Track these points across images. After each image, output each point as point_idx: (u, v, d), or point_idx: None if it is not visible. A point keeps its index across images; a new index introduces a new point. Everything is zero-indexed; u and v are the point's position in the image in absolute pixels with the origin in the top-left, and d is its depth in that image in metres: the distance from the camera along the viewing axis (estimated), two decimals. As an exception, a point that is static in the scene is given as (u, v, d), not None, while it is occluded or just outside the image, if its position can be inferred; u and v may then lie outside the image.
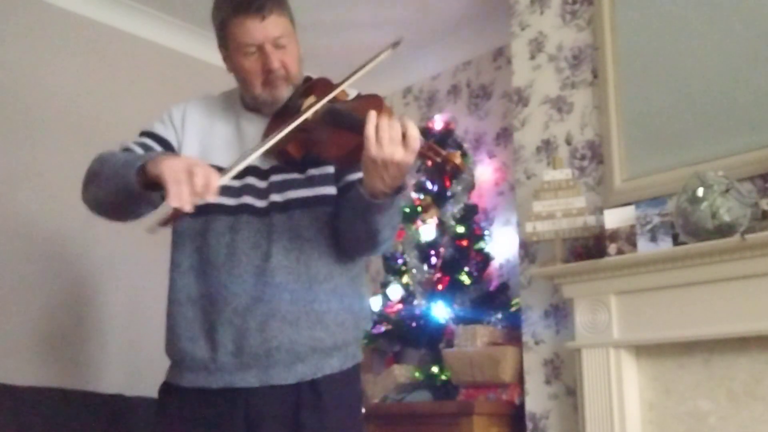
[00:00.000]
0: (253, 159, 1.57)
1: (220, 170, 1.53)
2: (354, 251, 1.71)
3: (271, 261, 1.62)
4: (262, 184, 1.70)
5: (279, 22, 1.67)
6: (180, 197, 1.40)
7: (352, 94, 1.74)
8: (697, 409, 2.50)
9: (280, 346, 1.61)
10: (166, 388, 1.73)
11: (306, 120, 1.60)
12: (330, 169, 1.72)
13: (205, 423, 1.63)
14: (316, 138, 1.62)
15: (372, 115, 1.44)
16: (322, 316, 1.65)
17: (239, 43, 1.67)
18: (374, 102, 1.59)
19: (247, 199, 1.68)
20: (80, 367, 3.36)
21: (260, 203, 1.68)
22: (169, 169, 1.43)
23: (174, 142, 1.75)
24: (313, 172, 1.71)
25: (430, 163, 1.44)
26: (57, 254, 3.39)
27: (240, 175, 1.67)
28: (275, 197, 1.67)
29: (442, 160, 1.42)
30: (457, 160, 1.41)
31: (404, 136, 1.42)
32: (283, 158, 1.68)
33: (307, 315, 1.63)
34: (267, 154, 1.66)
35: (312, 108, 1.61)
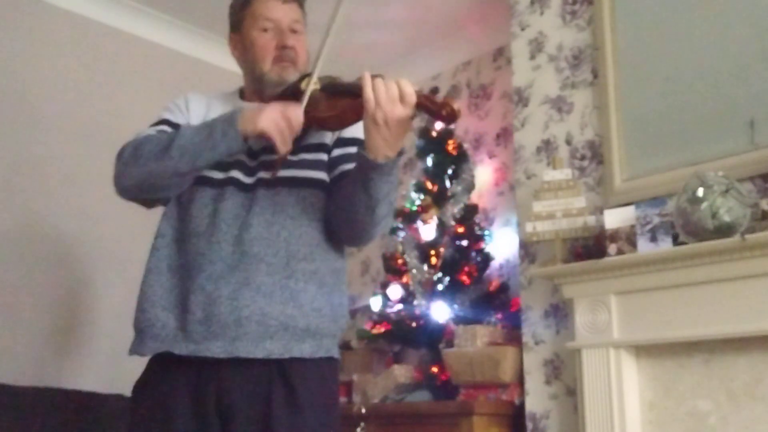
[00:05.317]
0: (311, 86, 1.65)
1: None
2: (350, 231, 1.70)
3: (251, 231, 1.63)
4: (251, 162, 1.72)
5: (297, 10, 1.82)
6: (287, 143, 1.61)
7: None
8: (697, 409, 2.50)
9: (250, 315, 1.59)
10: (140, 379, 1.72)
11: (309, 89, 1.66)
12: (323, 156, 1.75)
13: (177, 406, 1.61)
14: (314, 107, 1.65)
15: (367, 76, 1.50)
16: (297, 294, 1.64)
17: (259, 17, 1.77)
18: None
19: (235, 173, 1.70)
20: (79, 367, 3.36)
21: (247, 179, 1.70)
22: (270, 122, 1.59)
23: (184, 124, 1.79)
24: (305, 156, 1.74)
25: (427, 112, 1.51)
26: (57, 254, 3.39)
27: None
28: (263, 174, 1.69)
29: (437, 107, 1.46)
30: (455, 105, 1.45)
31: (400, 93, 1.47)
32: None
33: (282, 290, 1.63)
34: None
35: (312, 78, 1.66)
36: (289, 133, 1.60)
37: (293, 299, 1.63)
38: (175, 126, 1.78)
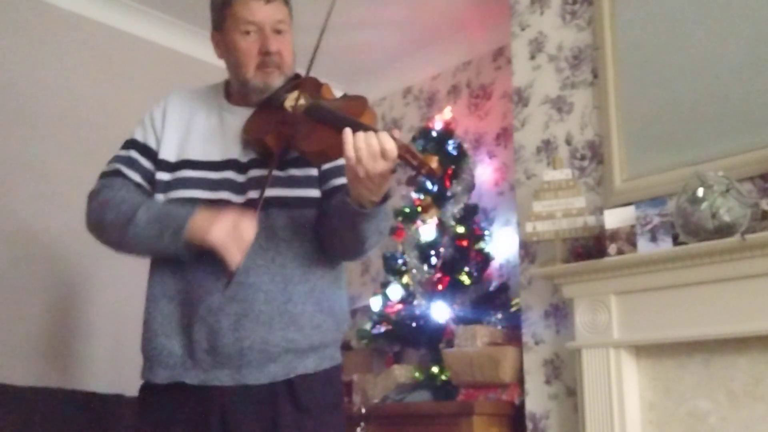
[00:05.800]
0: (269, 184, 1.60)
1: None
2: (340, 256, 1.72)
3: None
4: (240, 178, 1.69)
5: (281, 8, 1.72)
6: (237, 259, 1.54)
7: (338, 93, 1.76)
8: (697, 409, 2.50)
9: (252, 345, 1.59)
10: (145, 388, 1.71)
11: (288, 113, 1.63)
12: (313, 172, 1.72)
13: (180, 423, 1.62)
14: (295, 132, 1.62)
15: (347, 135, 1.46)
16: (297, 317, 1.63)
17: (240, 19, 1.69)
18: (358, 103, 1.62)
19: (225, 195, 1.67)
20: (79, 367, 3.36)
21: (238, 198, 1.67)
22: (217, 239, 1.54)
23: (154, 146, 1.75)
24: (294, 172, 1.70)
25: (408, 166, 1.48)
26: (57, 254, 3.39)
27: (219, 168, 1.69)
28: (253, 194, 1.65)
29: (418, 164, 1.45)
30: (433, 165, 1.44)
31: (381, 149, 1.44)
32: (261, 148, 1.67)
33: (281, 316, 1.62)
34: (246, 144, 1.69)
35: (299, 98, 1.63)
36: (238, 249, 1.54)
37: (293, 323, 1.63)
38: (143, 149, 1.75)
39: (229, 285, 1.58)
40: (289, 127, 1.62)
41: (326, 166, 1.71)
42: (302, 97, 1.65)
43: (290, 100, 1.66)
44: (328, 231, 1.66)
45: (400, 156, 1.45)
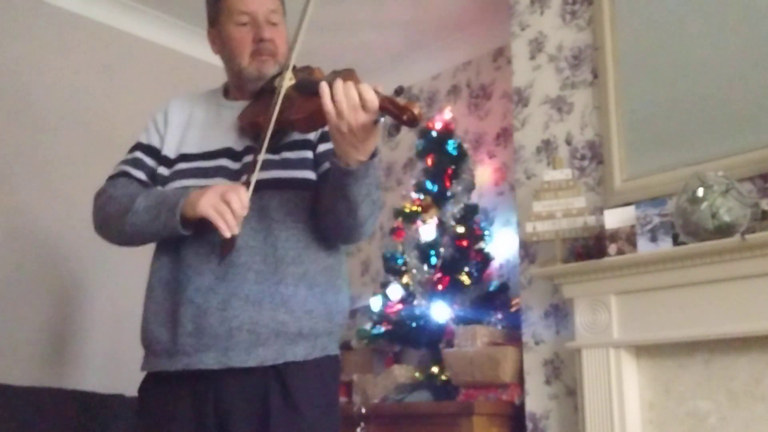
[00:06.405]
0: (262, 155, 1.61)
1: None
2: (336, 235, 1.70)
3: (237, 240, 1.60)
4: (235, 165, 1.70)
5: (275, 0, 1.77)
6: (230, 227, 1.54)
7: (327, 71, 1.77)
8: (697, 409, 2.50)
9: (241, 325, 1.58)
10: (143, 380, 1.73)
11: (281, 94, 1.64)
12: (308, 154, 1.72)
13: (176, 413, 1.61)
14: (288, 107, 1.63)
15: (324, 88, 1.46)
16: (288, 299, 1.62)
17: (234, 11, 1.73)
18: (347, 73, 1.61)
19: (219, 181, 1.68)
20: (79, 367, 3.36)
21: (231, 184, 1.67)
22: (209, 207, 1.54)
23: (158, 145, 1.80)
24: (288, 155, 1.70)
25: (390, 115, 1.45)
26: (56, 254, 3.39)
27: (213, 156, 1.71)
28: (246, 178, 1.65)
29: (399, 111, 1.42)
30: (415, 110, 1.41)
31: (362, 100, 1.44)
32: (254, 132, 1.67)
33: (272, 296, 1.61)
34: (241, 132, 1.72)
35: (285, 77, 1.65)
36: (231, 216, 1.53)
37: (284, 305, 1.61)
38: (149, 149, 1.79)
39: (226, 257, 1.59)
40: (281, 106, 1.63)
41: (321, 148, 1.72)
42: (292, 77, 1.67)
43: (278, 81, 1.68)
44: (322, 209, 1.66)
45: (381, 107, 1.44)
